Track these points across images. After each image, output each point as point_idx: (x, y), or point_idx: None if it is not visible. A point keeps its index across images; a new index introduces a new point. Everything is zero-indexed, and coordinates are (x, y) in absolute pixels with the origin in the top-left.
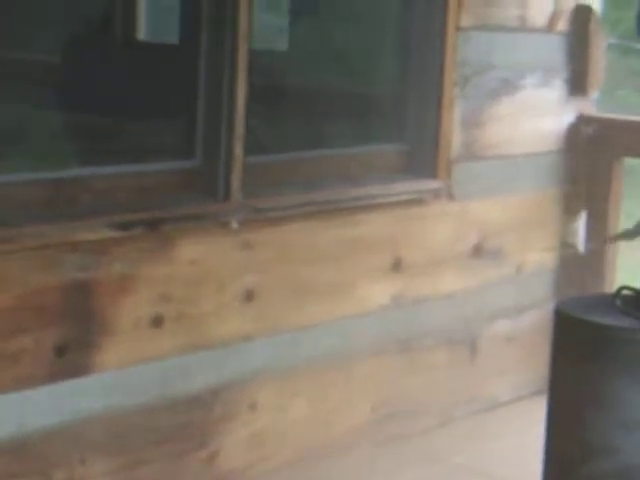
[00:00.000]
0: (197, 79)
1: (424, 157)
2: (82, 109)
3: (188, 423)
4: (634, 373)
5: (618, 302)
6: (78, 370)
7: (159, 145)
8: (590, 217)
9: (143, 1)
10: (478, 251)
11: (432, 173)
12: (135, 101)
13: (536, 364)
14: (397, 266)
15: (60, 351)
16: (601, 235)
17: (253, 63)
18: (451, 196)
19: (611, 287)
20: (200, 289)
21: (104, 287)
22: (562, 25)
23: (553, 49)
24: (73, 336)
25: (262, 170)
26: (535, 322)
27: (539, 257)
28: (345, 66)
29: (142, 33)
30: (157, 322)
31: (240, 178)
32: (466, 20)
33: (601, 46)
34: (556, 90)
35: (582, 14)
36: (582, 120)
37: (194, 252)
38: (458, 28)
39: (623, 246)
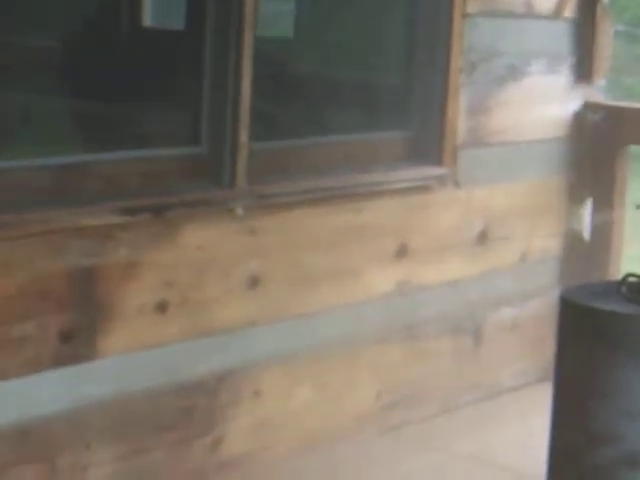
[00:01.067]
0: (203, 65)
1: (430, 144)
2: (88, 95)
3: (193, 409)
4: (638, 359)
5: (624, 289)
6: (83, 356)
7: (165, 131)
8: (595, 204)
9: None
10: (483, 238)
11: (438, 160)
12: (141, 87)
13: (540, 351)
14: (402, 253)
15: (65, 337)
16: (607, 222)
17: (259, 50)
18: (456, 183)
19: (616, 274)
20: (205, 275)
21: (109, 273)
22: (568, 12)
23: (559, 36)
24: (78, 322)
25: (267, 157)
26: (540, 309)
27: (544, 244)
28: (351, 53)
29: (148, 19)
30: (162, 308)
31: (245, 165)
32: (472, 6)
33: (608, 33)
34: (562, 77)
35: (588, 1)
36: (588, 107)
37: (199, 238)
38: (464, 15)
39: (628, 235)
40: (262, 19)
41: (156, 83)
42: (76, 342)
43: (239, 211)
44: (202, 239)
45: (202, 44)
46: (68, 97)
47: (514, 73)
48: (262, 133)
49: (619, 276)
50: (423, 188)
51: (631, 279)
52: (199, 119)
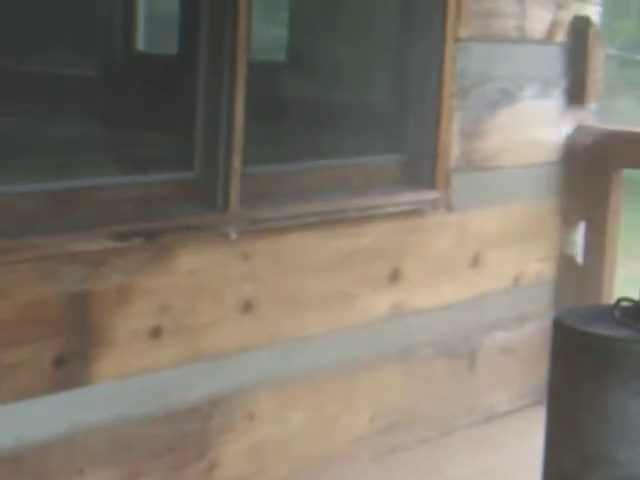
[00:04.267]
0: (196, 90)
1: (423, 168)
2: (80, 120)
3: (187, 434)
4: (633, 384)
5: (617, 313)
6: (77, 381)
7: (158, 156)
8: (589, 228)
9: (142, 10)
10: (477, 262)
11: (431, 184)
12: (134, 112)
13: (535, 375)
14: (396, 277)
15: (59, 362)
16: (600, 246)
17: (252, 74)
18: (450, 207)
19: (609, 298)
20: (199, 300)
21: (103, 298)
22: (561, 36)
23: (552, 60)
24: (72, 347)
25: (261, 181)
26: (534, 333)
27: (538, 268)
28: (344, 77)
29: (141, 43)
30: (155, 333)
31: (239, 189)
32: (465, 31)
33: (600, 57)
34: (555, 101)
35: (581, 25)
36: (581, 131)
37: (193, 263)
38: (457, 39)
39: (621, 257)
40: (255, 43)
41: (149, 107)
42: (70, 367)
43: (232, 235)
44: (195, 264)
45: (195, 68)
46: (60, 122)
47: (507, 97)
48: (255, 157)
49: (612, 299)
50: (416, 212)
51: (624, 303)
52: (192, 143)
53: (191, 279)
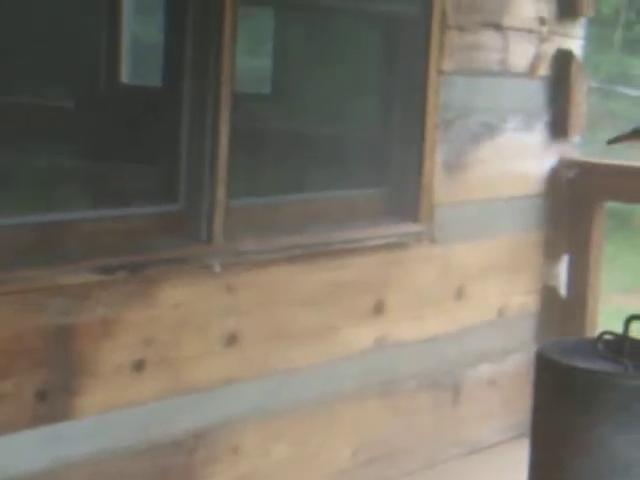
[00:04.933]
0: (180, 122)
1: (406, 200)
2: (64, 152)
3: (171, 467)
4: (616, 418)
5: (600, 346)
6: (60, 415)
7: (142, 188)
8: (572, 261)
9: (126, 43)
10: (460, 294)
11: (414, 216)
12: (118, 144)
13: (519, 408)
14: (380, 309)
15: (42, 396)
16: (583, 278)
17: (236, 106)
18: (433, 239)
19: (593, 331)
20: (183, 333)
21: (86, 331)
22: (543, 69)
23: (534, 93)
24: (55, 380)
25: (245, 213)
26: (518, 365)
27: (521, 301)
28: (328, 109)
29: (125, 75)
30: (139, 366)
31: (223, 222)
32: (448, 64)
33: (582, 91)
34: (537, 134)
35: (563, 59)
36: (563, 164)
37: (177, 295)
38: (440, 72)
39: (605, 290)
40: (240, 75)
41: (133, 140)
42: (53, 401)
43: (216, 268)
44: (179, 297)
45: (179, 101)
46: (44, 154)
47: (490, 130)
48: (240, 190)
49: (596, 332)
50: (400, 245)
51: (607, 336)
52: (176, 176)
53: (175, 312)
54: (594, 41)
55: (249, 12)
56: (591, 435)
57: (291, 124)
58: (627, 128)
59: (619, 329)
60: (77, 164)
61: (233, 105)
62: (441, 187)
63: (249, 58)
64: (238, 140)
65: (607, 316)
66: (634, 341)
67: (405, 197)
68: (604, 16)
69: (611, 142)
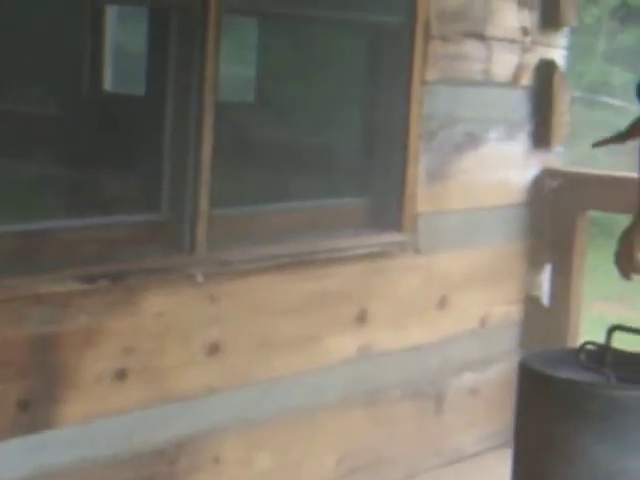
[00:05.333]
0: (163, 131)
1: (390, 210)
2: (47, 160)
3: (153, 477)
4: (598, 428)
5: (582, 357)
6: (42, 424)
7: (125, 197)
8: (554, 270)
9: (109, 50)
10: (444, 303)
11: (398, 226)
12: (101, 153)
13: (502, 417)
14: (363, 319)
15: (24, 405)
16: (565, 288)
17: (220, 115)
18: (417, 249)
19: (575, 340)
20: (165, 342)
21: (69, 340)
22: (526, 79)
23: (517, 103)
24: (37, 390)
25: (228, 223)
26: (500, 375)
27: (504, 310)
28: (312, 119)
29: (109, 83)
30: (121, 375)
31: (206, 231)
32: (431, 74)
33: (565, 100)
34: (520, 144)
35: (546, 69)
36: (546, 173)
37: (159, 305)
38: (423, 82)
39: (587, 298)
40: (223, 83)
41: (116, 148)
42: (35, 410)
43: (199, 278)
44: (162, 306)
45: (162, 109)
46: (27, 162)
47: (473, 140)
48: (223, 199)
49: (578, 341)
50: (384, 254)
51: (589, 347)
52: (159, 185)
53: (158, 321)
54: (577, 50)
55: (233, 20)
56: (573, 445)
57: (275, 133)
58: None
59: (601, 337)
60: (60, 172)
61: (216, 114)
62: (424, 197)
63: (233, 66)
64: (221, 149)
65: (589, 324)
66: (616, 351)
67: (388, 207)
68: (587, 25)
69: (596, 145)
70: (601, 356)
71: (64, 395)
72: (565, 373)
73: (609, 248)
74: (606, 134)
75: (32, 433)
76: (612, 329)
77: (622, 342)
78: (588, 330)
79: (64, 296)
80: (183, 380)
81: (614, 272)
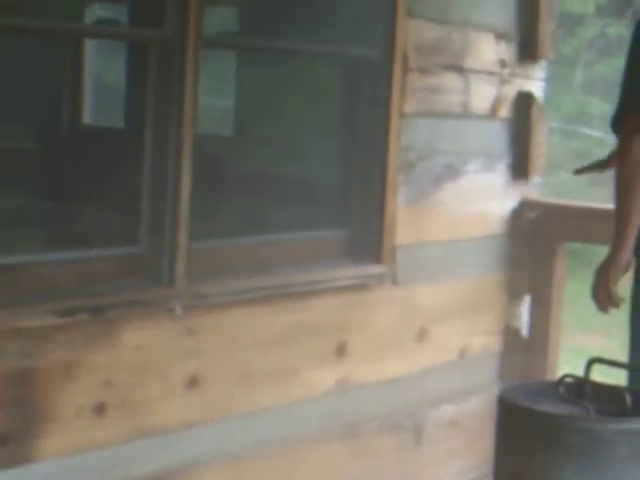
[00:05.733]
0: (142, 164)
1: (368, 242)
2: (26, 194)
3: None
4: (577, 461)
5: (561, 390)
6: (21, 459)
7: (104, 231)
8: (534, 301)
9: (89, 84)
10: (422, 335)
11: (376, 258)
12: (80, 186)
13: (481, 448)
14: (342, 351)
15: (3, 440)
16: (545, 319)
17: (199, 147)
18: (395, 281)
19: (554, 371)
20: (144, 375)
21: (47, 374)
22: (504, 111)
23: (496, 135)
24: (16, 424)
25: (207, 256)
26: (480, 406)
27: (483, 341)
28: (291, 151)
29: (88, 116)
30: (100, 409)
31: (185, 264)
32: (410, 106)
33: (542, 132)
34: (499, 175)
35: (524, 101)
36: (525, 205)
37: (138, 338)
38: (402, 114)
39: (567, 327)
40: (202, 114)
41: (95, 181)
42: (13, 445)
43: (178, 311)
44: (141, 339)
45: (141, 142)
46: (5, 195)
47: (452, 172)
48: (202, 232)
49: (558, 372)
50: (362, 286)
51: (568, 379)
52: (138, 218)
53: (136, 355)
54: (555, 81)
55: (212, 53)
56: (553, 478)
57: (253, 166)
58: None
59: (580, 367)
60: (39, 206)
61: (195, 147)
62: (403, 228)
63: (211, 98)
64: (200, 182)
65: (570, 354)
66: (595, 384)
67: (367, 238)
68: (565, 56)
69: (577, 172)
70: (580, 389)
71: (43, 429)
72: (544, 406)
73: (589, 278)
74: (584, 164)
75: (11, 468)
76: (591, 362)
77: (602, 374)
78: (568, 361)
79: (43, 330)
80: (163, 414)
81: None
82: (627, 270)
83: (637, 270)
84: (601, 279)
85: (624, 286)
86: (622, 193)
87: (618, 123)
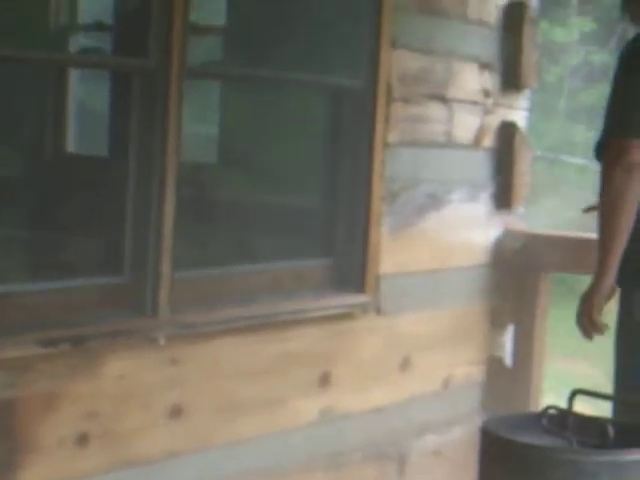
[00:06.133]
0: (125, 193)
1: (352, 271)
2: (9, 223)
3: None
4: None
5: (544, 421)
6: None
7: (87, 260)
8: (517, 331)
9: (73, 111)
10: (406, 365)
11: (360, 287)
12: (63, 215)
13: (465, 478)
14: (325, 380)
15: None
16: (528, 349)
17: (183, 176)
18: (379, 310)
19: (538, 400)
20: (127, 406)
21: (29, 405)
22: (488, 141)
23: (479, 164)
24: None
25: (190, 285)
26: (463, 436)
27: (467, 371)
28: (275, 180)
29: (72, 144)
30: (82, 440)
31: (168, 294)
32: (393, 136)
33: (526, 161)
34: (482, 205)
35: (507, 130)
36: (509, 234)
37: (121, 368)
38: (385, 144)
39: (550, 356)
40: (186, 143)
41: (78, 210)
42: None
43: (161, 341)
44: (124, 369)
45: (125, 171)
46: None
47: (435, 201)
48: (185, 261)
49: (541, 401)
50: (346, 316)
51: (551, 411)
52: (121, 247)
53: (119, 385)
54: (539, 109)
55: (196, 82)
56: None
57: (237, 194)
58: (573, 196)
59: (564, 394)
60: (21, 235)
61: (179, 175)
62: (387, 258)
63: (196, 125)
64: (184, 210)
65: (553, 380)
66: (578, 416)
67: (351, 268)
68: (549, 84)
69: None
70: (563, 420)
71: (25, 460)
72: (527, 438)
73: (573, 305)
74: (569, 193)
75: None
76: (574, 393)
77: (585, 401)
78: (553, 387)
79: (26, 360)
80: (145, 444)
81: (577, 329)
82: (611, 297)
83: (622, 299)
84: (585, 306)
85: (611, 313)
86: (605, 220)
87: (602, 150)
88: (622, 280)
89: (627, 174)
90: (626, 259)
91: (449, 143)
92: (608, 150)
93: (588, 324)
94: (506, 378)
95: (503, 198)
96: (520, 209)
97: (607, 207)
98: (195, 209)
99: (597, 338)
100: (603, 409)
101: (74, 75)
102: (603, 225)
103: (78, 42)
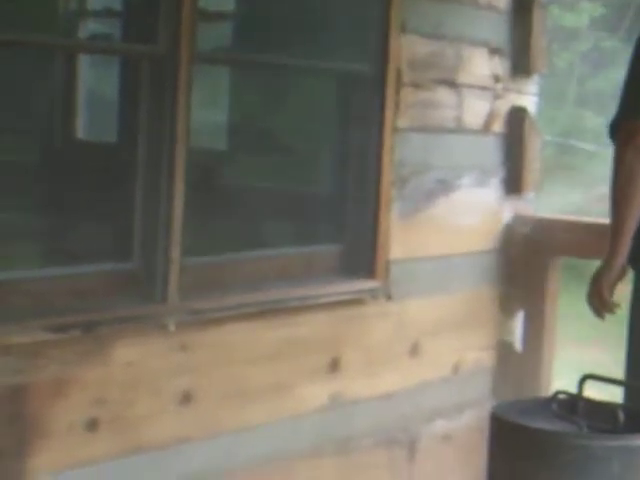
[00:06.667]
0: (135, 179)
1: (362, 257)
2: (18, 209)
3: None
4: (569, 478)
5: (554, 406)
6: (13, 476)
7: (96, 247)
8: (527, 316)
9: (82, 98)
10: (416, 350)
11: (370, 273)
12: (72, 201)
13: (474, 464)
14: (335, 366)
15: None
16: (538, 334)
17: (192, 162)
18: (389, 296)
19: (548, 385)
20: (136, 392)
21: (38, 391)
22: (498, 126)
23: (489, 150)
24: (7, 441)
25: (200, 271)
26: (473, 421)
27: (476, 356)
28: (284, 166)
29: (81, 130)
30: (92, 426)
31: (177, 280)
32: (403, 121)
33: (536, 147)
34: (492, 190)
35: (517, 115)
36: (518, 220)
37: (130, 354)
38: (395, 129)
39: (560, 342)
40: (195, 128)
41: (87, 197)
42: (5, 461)
43: (171, 327)
44: (133, 355)
45: (134, 158)
46: None
47: (445, 187)
48: (195, 248)
49: (551, 387)
50: (356, 301)
51: (561, 396)
52: (131, 234)
53: (129, 371)
54: (549, 95)
55: (205, 68)
56: None
57: (246, 180)
58: (582, 181)
59: (574, 380)
60: (31, 221)
61: (188, 162)
62: (396, 243)
63: (205, 111)
64: (193, 196)
65: (563, 366)
66: (588, 401)
67: (361, 254)
68: (559, 70)
69: None
70: (573, 405)
71: (35, 446)
72: (537, 423)
73: (583, 290)
74: (579, 178)
75: None
76: (584, 378)
77: (596, 387)
78: (563, 372)
79: (34, 346)
80: (155, 430)
81: (587, 314)
82: (622, 277)
83: (635, 282)
84: (595, 285)
85: (623, 294)
86: (616, 200)
87: (615, 130)
88: (635, 261)
89: (638, 155)
90: (639, 240)
91: (459, 128)
92: (620, 131)
93: (599, 303)
94: (516, 363)
95: (513, 183)
96: (530, 194)
97: (618, 187)
98: (204, 195)
99: (608, 323)
100: (613, 394)
101: (84, 61)
102: (615, 205)
103: (87, 28)
